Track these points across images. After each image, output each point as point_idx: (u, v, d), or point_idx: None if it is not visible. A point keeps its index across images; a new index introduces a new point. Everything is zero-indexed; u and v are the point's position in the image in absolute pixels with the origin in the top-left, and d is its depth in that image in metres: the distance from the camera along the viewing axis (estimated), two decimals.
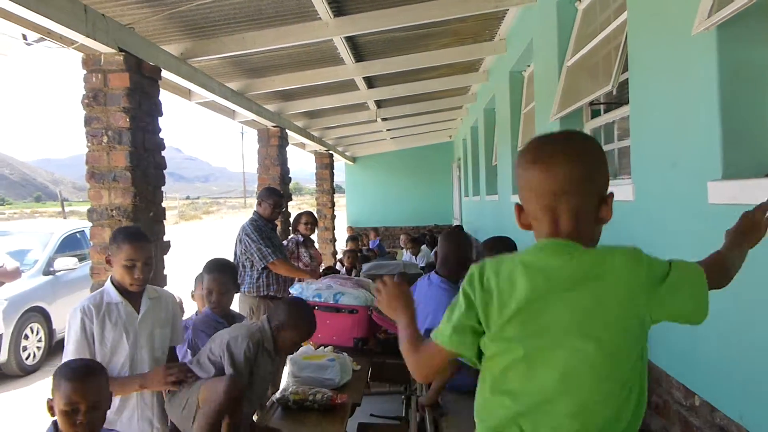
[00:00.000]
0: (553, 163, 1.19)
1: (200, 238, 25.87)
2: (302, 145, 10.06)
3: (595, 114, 3.60)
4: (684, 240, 2.07)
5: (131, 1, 3.58)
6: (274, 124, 7.12)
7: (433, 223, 14.86)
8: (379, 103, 8.47)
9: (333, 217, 11.46)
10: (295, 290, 4.63)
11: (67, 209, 27.21)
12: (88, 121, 3.55)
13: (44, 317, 7.05)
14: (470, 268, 1.27)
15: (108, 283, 2.56)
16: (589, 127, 3.62)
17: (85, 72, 3.55)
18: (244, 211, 58.85)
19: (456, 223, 14.09)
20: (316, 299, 4.52)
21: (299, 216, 5.89)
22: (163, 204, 4.05)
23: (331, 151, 11.04)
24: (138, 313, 2.54)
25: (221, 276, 3.22)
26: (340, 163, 13.78)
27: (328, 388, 3.28)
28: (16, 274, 5.31)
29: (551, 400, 1.17)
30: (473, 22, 5.33)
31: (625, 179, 2.92)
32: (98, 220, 3.59)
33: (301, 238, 5.70)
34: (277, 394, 3.26)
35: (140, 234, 2.63)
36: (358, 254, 7.53)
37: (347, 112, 8.82)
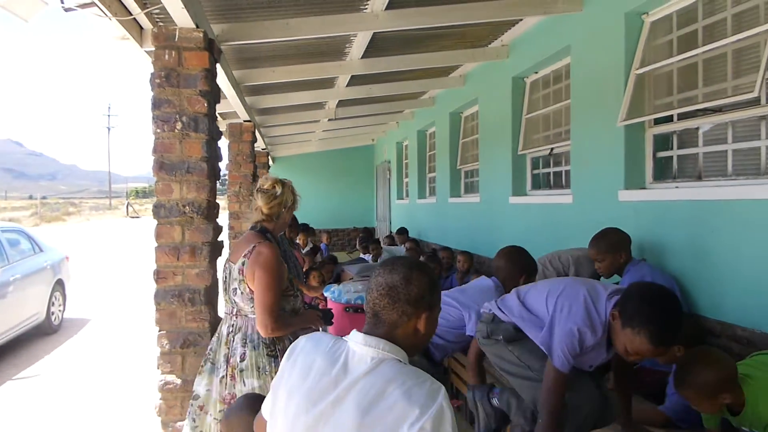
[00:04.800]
0: None
1: (86, 240, 23.49)
2: None
3: (658, 121, 3.81)
4: None
5: None
6: (248, 119, 6.71)
7: (352, 226, 14.82)
8: (340, 103, 8.26)
9: None
10: (331, 294, 4.41)
11: None
12: (157, 104, 3.11)
13: None
14: None
15: None
16: (652, 132, 3.83)
17: (154, 48, 3.12)
18: (110, 213, 54.19)
19: (380, 225, 14.15)
20: (359, 302, 4.35)
21: None
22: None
23: (267, 150, 10.60)
24: None
25: None
26: None
27: None
28: None
29: None
30: (486, 27, 5.38)
31: (757, 179, 3.03)
32: (167, 217, 3.16)
33: None
34: None
35: None
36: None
37: (301, 111, 8.50)
